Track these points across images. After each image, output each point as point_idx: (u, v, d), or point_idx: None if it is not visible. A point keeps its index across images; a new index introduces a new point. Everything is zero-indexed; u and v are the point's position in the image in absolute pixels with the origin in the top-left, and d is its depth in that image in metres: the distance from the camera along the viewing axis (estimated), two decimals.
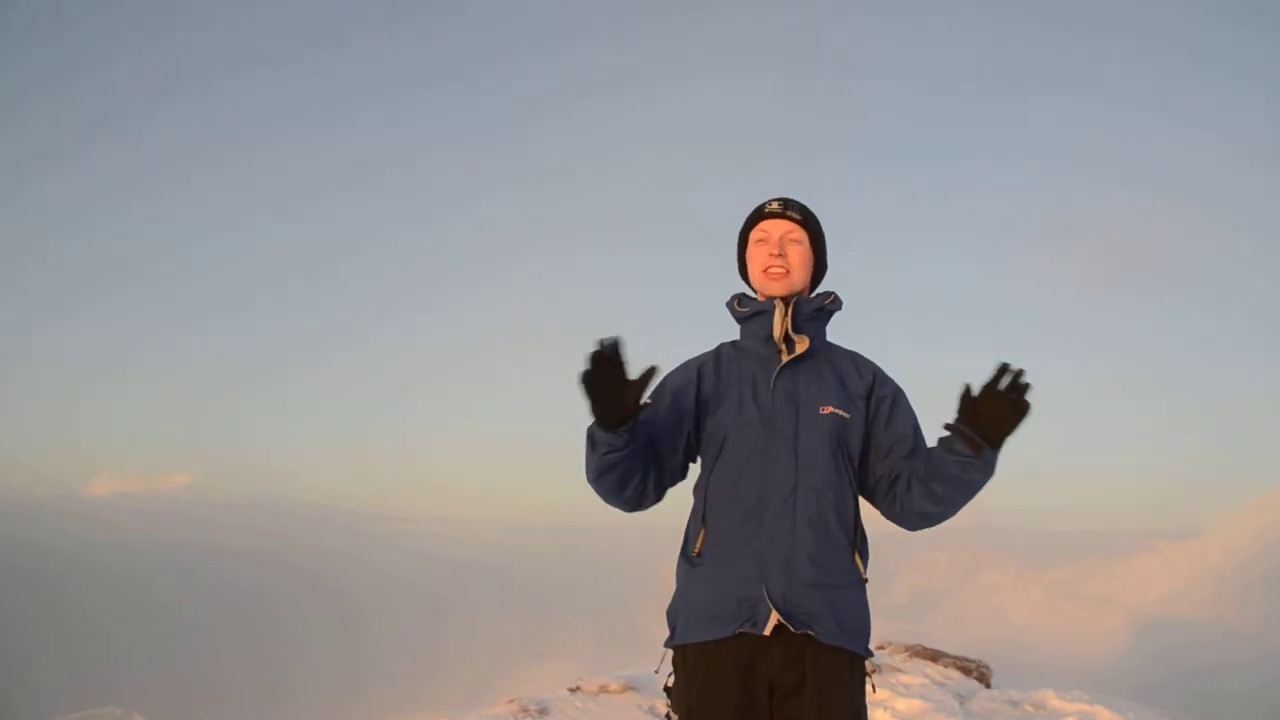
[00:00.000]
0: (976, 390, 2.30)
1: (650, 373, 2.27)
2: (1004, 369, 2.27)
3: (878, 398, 2.59)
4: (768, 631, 2.37)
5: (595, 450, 2.37)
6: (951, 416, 2.35)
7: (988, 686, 7.38)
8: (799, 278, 2.58)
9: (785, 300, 2.56)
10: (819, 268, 2.65)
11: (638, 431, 2.35)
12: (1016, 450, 2.33)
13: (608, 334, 2.23)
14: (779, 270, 2.55)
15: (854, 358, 2.66)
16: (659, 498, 2.58)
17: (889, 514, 2.60)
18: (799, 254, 2.58)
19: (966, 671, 7.45)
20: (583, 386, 2.24)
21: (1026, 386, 2.26)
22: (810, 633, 2.38)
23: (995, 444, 2.32)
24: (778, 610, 2.36)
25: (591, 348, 2.22)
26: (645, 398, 2.31)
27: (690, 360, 2.68)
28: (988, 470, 2.39)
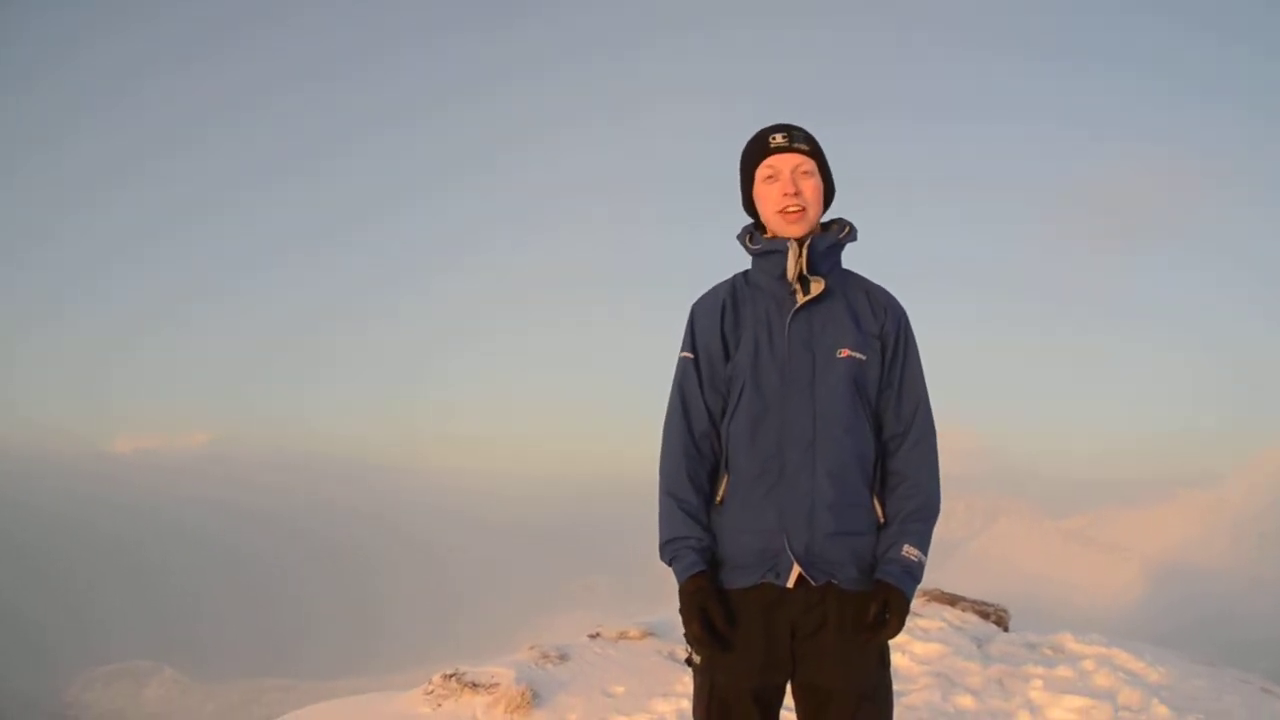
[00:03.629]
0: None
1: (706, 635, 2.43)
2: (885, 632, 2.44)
3: (885, 332, 2.55)
4: (790, 584, 2.40)
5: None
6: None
7: (1006, 630, 7.41)
8: (815, 212, 2.53)
9: (800, 240, 2.50)
10: (828, 192, 2.59)
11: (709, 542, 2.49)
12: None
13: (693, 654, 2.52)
14: (796, 211, 2.49)
15: (869, 290, 2.62)
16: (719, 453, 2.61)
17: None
18: (812, 187, 2.51)
19: (984, 615, 7.49)
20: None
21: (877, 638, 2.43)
22: (833, 580, 2.42)
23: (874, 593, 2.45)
24: (799, 563, 2.39)
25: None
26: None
27: (711, 292, 2.65)
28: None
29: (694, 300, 2.68)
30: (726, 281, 2.65)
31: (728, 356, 2.55)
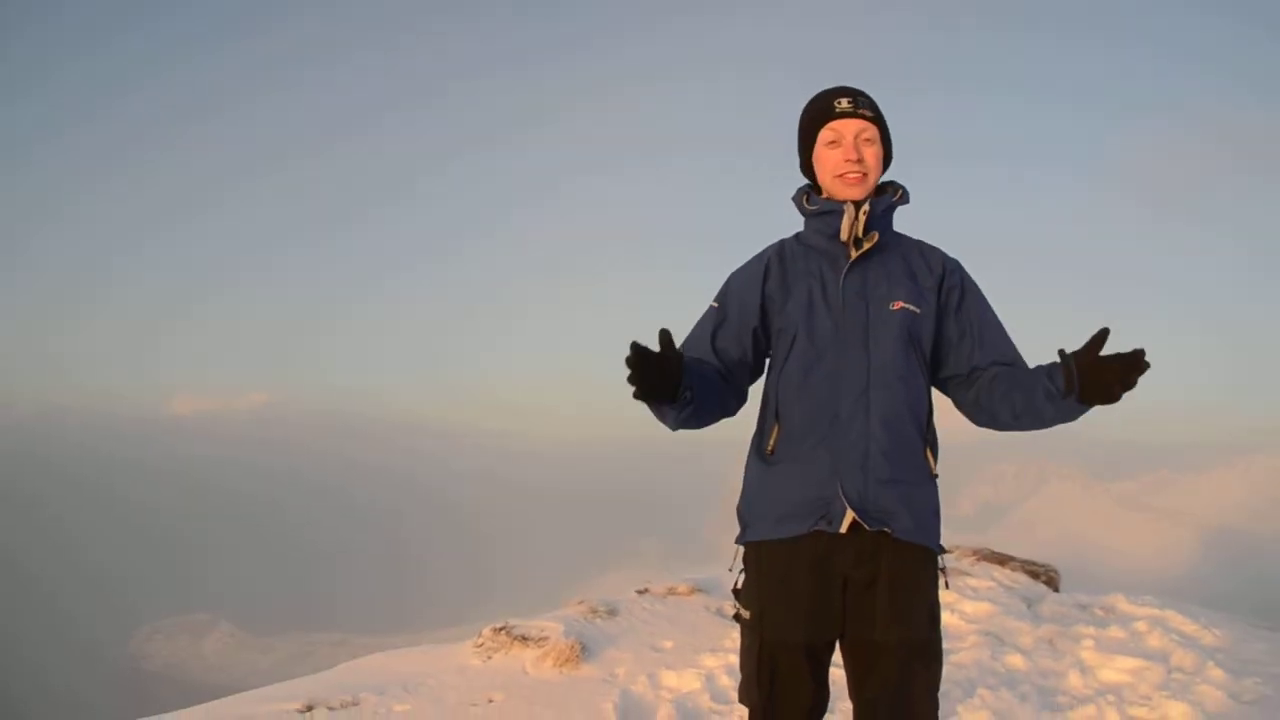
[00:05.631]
0: (1106, 351, 2.21)
1: (667, 339, 2.24)
2: (1138, 355, 2.18)
3: (947, 288, 2.56)
4: (844, 529, 2.37)
5: (664, 419, 2.42)
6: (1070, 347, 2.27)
7: (1056, 591, 7.35)
8: (875, 178, 2.52)
9: (857, 203, 2.49)
10: (887, 158, 2.57)
11: (694, 379, 2.34)
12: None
13: (638, 339, 2.22)
14: (856, 175, 2.48)
15: (922, 248, 2.62)
16: (744, 400, 2.60)
17: (962, 402, 2.59)
18: (874, 154, 2.50)
19: (1035, 576, 7.42)
20: (632, 386, 2.21)
21: (1142, 369, 2.18)
22: (886, 529, 2.39)
23: (1085, 401, 2.27)
24: (853, 508, 2.37)
25: (628, 352, 2.18)
26: (679, 348, 2.31)
27: (755, 256, 2.65)
28: (1067, 415, 2.37)
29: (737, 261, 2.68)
30: (773, 245, 2.65)
31: (764, 313, 2.54)
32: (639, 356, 2.18)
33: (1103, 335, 2.21)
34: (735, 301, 2.58)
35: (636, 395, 2.22)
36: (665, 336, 2.23)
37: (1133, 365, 2.17)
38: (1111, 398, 2.22)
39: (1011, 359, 2.54)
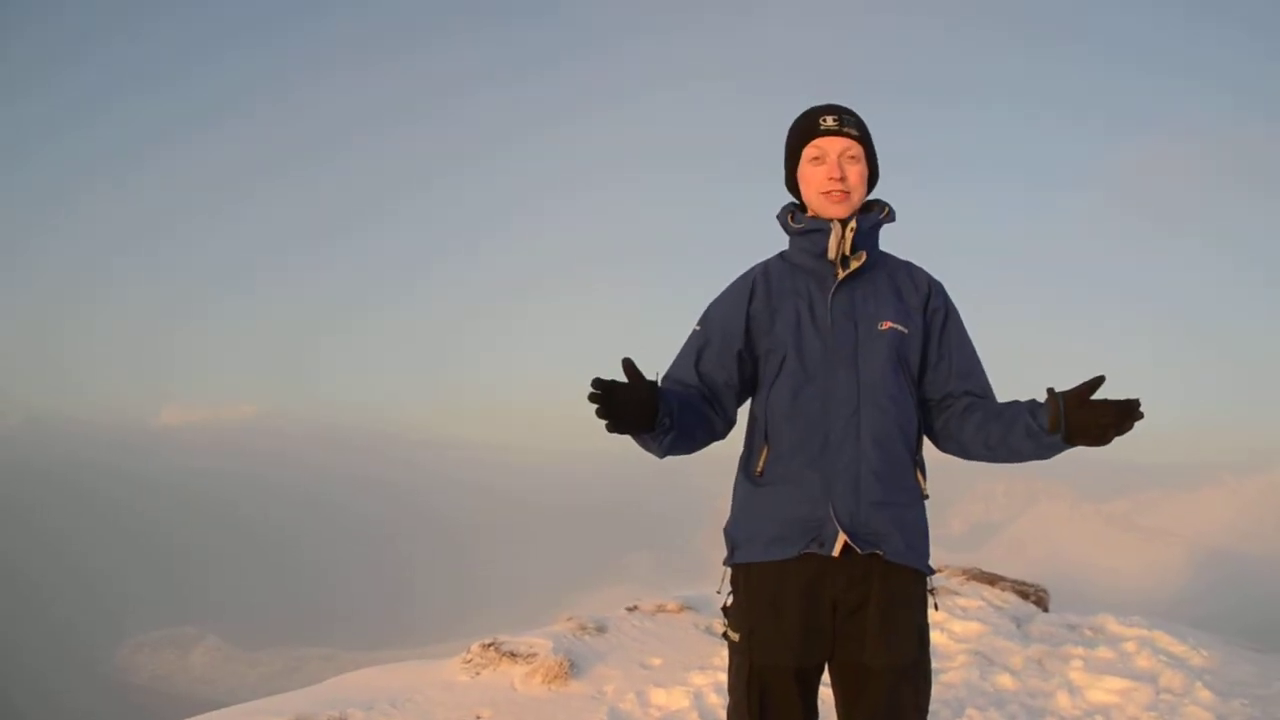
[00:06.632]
0: (1099, 394, 2.24)
1: (632, 368, 2.22)
2: (1134, 403, 2.21)
3: (932, 309, 2.55)
4: (835, 552, 2.35)
5: (648, 448, 2.40)
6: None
7: (1046, 611, 7.36)
8: (859, 196, 2.50)
9: (843, 221, 2.48)
10: (873, 176, 2.57)
11: (672, 405, 2.32)
12: (1072, 380, 2.30)
13: (602, 375, 2.19)
14: (839, 194, 2.47)
15: (909, 269, 2.61)
16: (731, 423, 2.58)
17: (929, 428, 2.59)
18: (858, 172, 2.49)
19: (1024, 596, 7.43)
20: (603, 420, 2.19)
21: (1137, 417, 2.21)
22: (877, 552, 2.37)
23: (1070, 441, 2.29)
24: (845, 530, 2.35)
25: (590, 389, 2.15)
26: (652, 377, 2.28)
27: (739, 279, 2.63)
28: (1045, 453, 2.38)
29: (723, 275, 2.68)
30: (757, 265, 2.64)
31: (749, 334, 2.53)
32: (604, 391, 2.16)
33: (1098, 381, 2.24)
34: (719, 324, 2.56)
35: (610, 429, 2.21)
36: (630, 366, 2.21)
37: (1128, 412, 2.20)
38: (1103, 440, 2.24)
39: (984, 391, 2.55)
